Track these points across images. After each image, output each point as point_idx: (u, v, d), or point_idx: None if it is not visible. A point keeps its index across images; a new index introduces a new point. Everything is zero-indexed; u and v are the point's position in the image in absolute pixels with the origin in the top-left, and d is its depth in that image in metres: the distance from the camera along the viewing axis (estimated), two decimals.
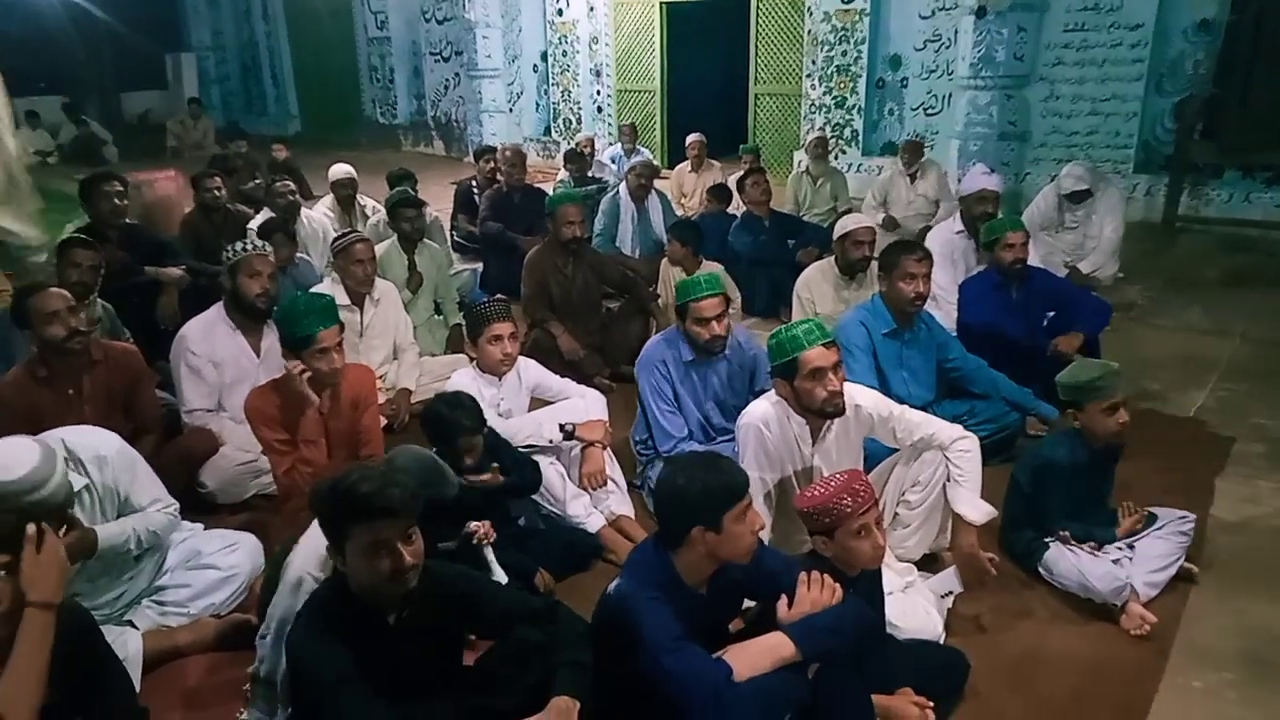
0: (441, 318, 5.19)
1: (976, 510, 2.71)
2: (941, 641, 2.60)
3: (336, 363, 3.00)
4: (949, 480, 2.76)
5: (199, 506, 3.39)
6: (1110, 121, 8.29)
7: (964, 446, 2.76)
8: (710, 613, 2.13)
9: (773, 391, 2.84)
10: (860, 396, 2.83)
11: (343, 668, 1.83)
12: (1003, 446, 3.64)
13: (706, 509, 1.98)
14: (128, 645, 2.47)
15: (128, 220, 4.98)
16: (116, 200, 4.73)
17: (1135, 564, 2.86)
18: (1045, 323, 4.14)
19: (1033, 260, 4.31)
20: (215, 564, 2.82)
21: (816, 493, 2.18)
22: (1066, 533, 2.92)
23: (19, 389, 3.18)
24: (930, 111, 9.48)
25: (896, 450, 2.97)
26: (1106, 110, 8.27)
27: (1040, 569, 2.95)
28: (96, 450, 2.52)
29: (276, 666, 2.17)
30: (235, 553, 2.88)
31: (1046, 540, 2.94)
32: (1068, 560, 2.87)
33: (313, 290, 3.98)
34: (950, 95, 9.05)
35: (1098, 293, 4.86)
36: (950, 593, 2.74)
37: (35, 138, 14.26)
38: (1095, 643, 2.71)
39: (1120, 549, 2.92)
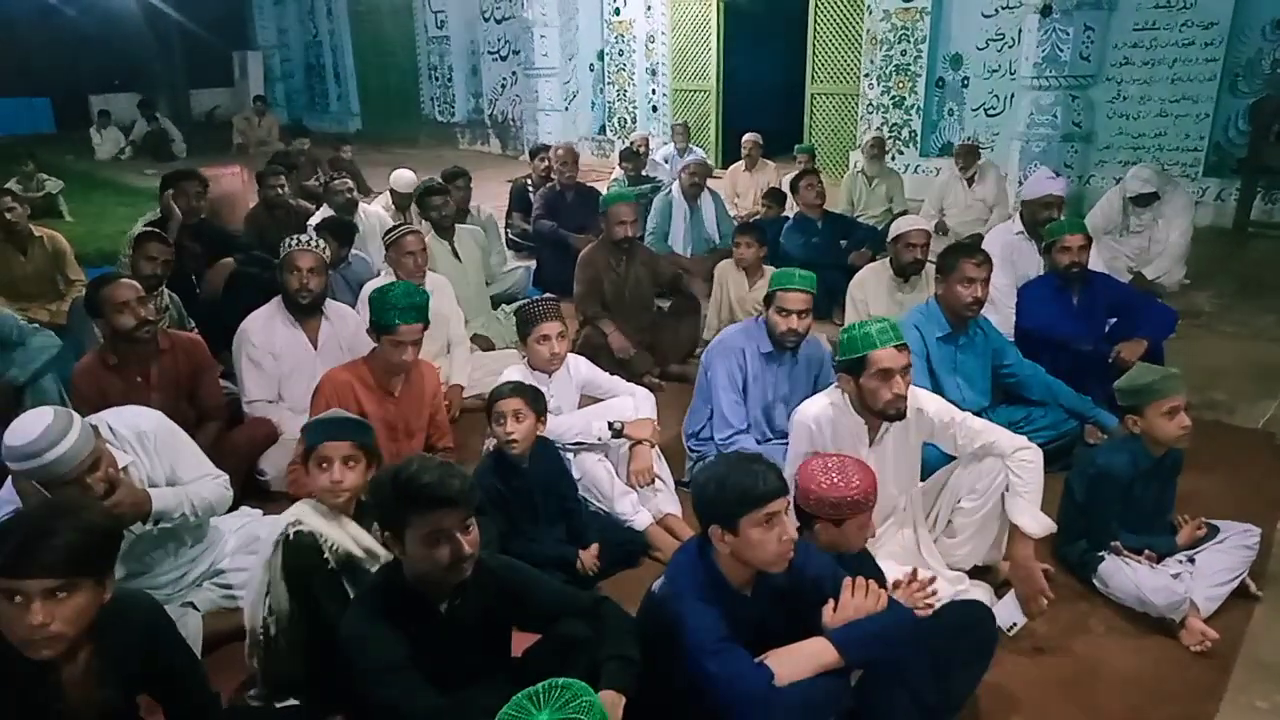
0: (508, 310, 5.26)
1: (1036, 522, 2.63)
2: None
3: (408, 356, 3.21)
4: (1008, 490, 2.69)
5: (258, 494, 3.49)
6: (1180, 123, 8.05)
7: (1026, 456, 2.68)
8: (755, 615, 2.12)
9: (832, 388, 2.82)
10: (923, 400, 2.80)
11: (395, 654, 1.87)
12: (1060, 455, 3.55)
13: (722, 508, 1.96)
14: (187, 625, 2.53)
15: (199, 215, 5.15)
16: (195, 201, 4.92)
17: (1196, 578, 2.77)
18: (1107, 329, 4.05)
19: (1095, 265, 4.21)
20: None
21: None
22: (1118, 543, 2.85)
23: (90, 375, 3.31)
24: (991, 112, 9.31)
25: (954, 460, 2.92)
26: (1176, 111, 8.04)
27: (1095, 581, 2.88)
28: (136, 426, 2.61)
29: (255, 618, 2.31)
30: None
31: (1101, 553, 2.87)
32: (1123, 572, 2.80)
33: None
34: (1013, 95, 8.87)
35: (1163, 299, 4.73)
36: (1014, 625, 2.66)
37: (108, 136, 14.75)
38: (1153, 658, 2.64)
39: (1180, 562, 2.84)
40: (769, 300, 3.45)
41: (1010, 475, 2.69)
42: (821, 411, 2.75)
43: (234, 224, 6.12)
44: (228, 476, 2.82)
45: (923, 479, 2.99)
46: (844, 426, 2.76)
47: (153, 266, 4.04)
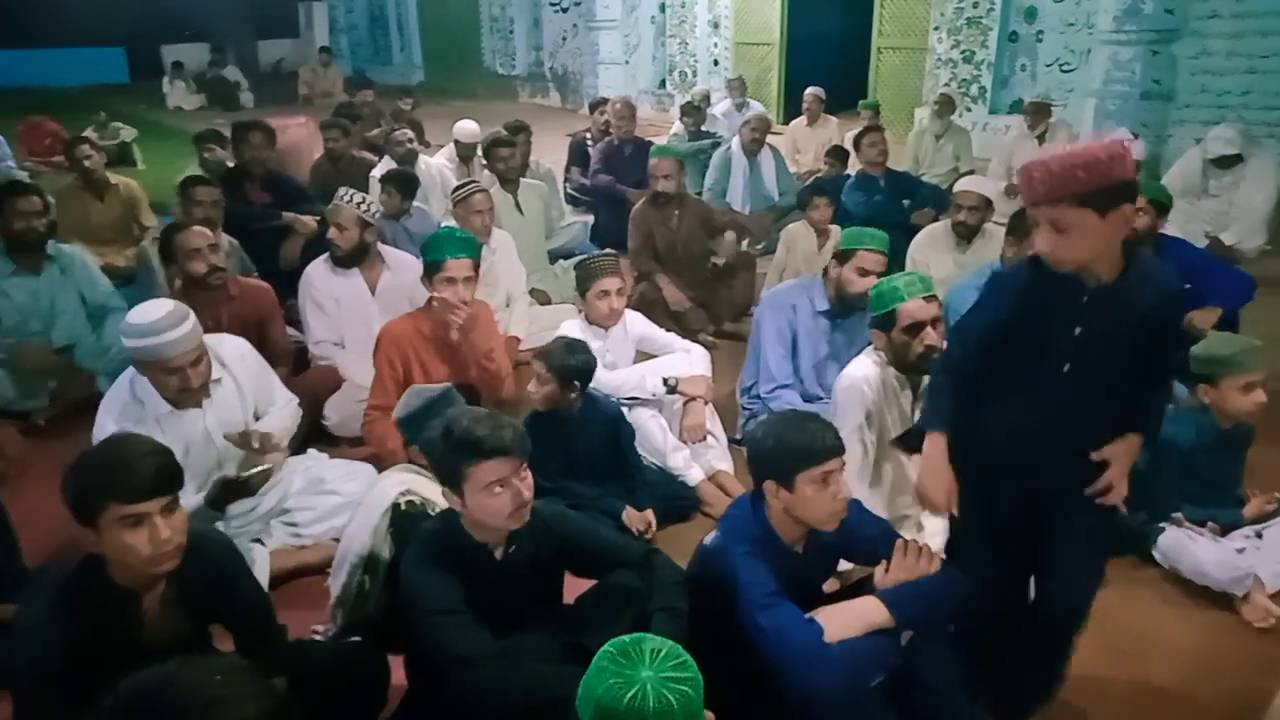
0: (565, 265, 5.30)
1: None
2: None
3: (463, 294, 3.21)
4: None
5: (322, 437, 3.60)
6: (1268, 80, 7.63)
7: None
8: (805, 571, 2.14)
9: (870, 348, 2.81)
10: None
11: (451, 597, 1.92)
12: None
13: (779, 464, 1.96)
14: (256, 561, 2.66)
15: (268, 165, 5.25)
16: (259, 151, 5.05)
17: (1263, 553, 2.71)
18: None
19: (1169, 229, 4.07)
20: (337, 490, 3.01)
21: None
22: (1181, 515, 2.79)
23: None
24: (1066, 68, 8.95)
25: None
26: (1265, 68, 7.62)
27: (1155, 553, 2.83)
28: (237, 349, 2.90)
29: (352, 575, 2.39)
30: (354, 481, 3.05)
31: (1161, 524, 2.82)
32: (1185, 545, 2.74)
33: None
34: (1089, 51, 8.51)
35: (1240, 266, 4.55)
36: None
37: (179, 86, 15.07)
38: (1211, 633, 2.59)
39: (1247, 536, 2.78)
40: (843, 257, 3.40)
41: None
42: (868, 372, 2.75)
43: (301, 175, 6.23)
44: (296, 399, 3.06)
45: None
46: (888, 384, 2.75)
47: (202, 210, 4.12)
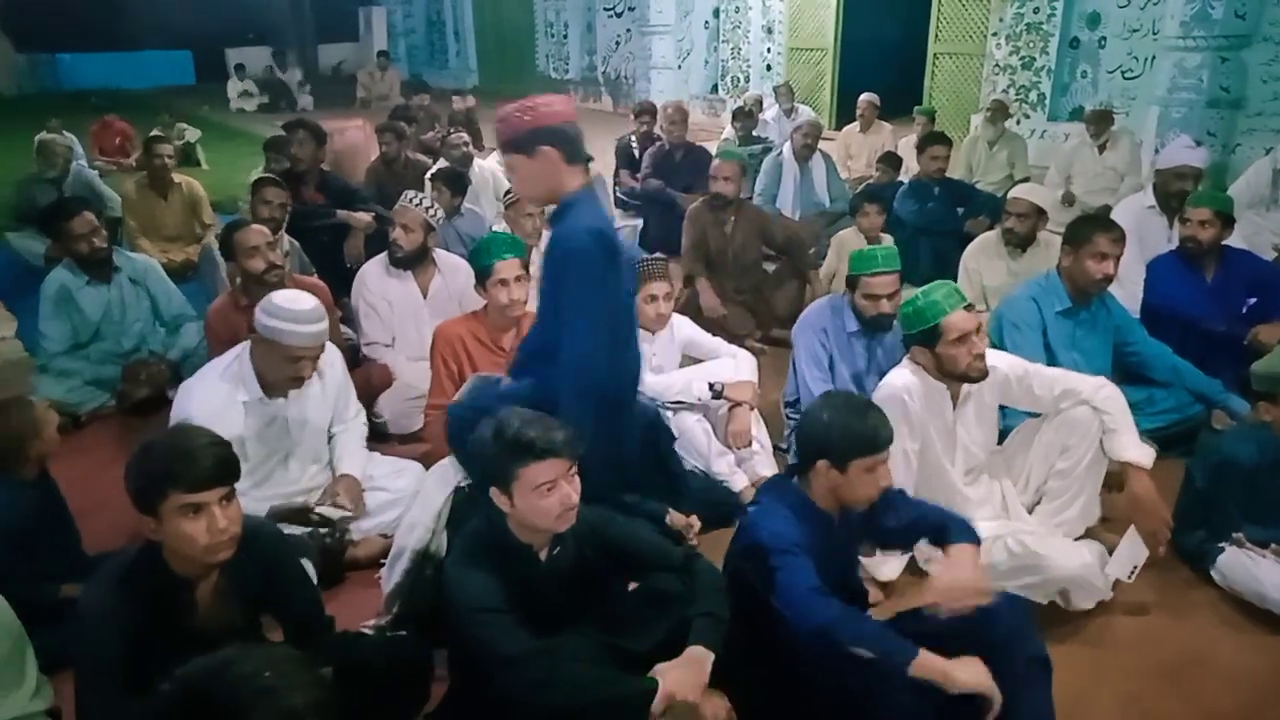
0: None
1: (1144, 453, 2.61)
2: (1109, 593, 2.57)
3: (515, 294, 3.23)
4: (1104, 433, 2.67)
5: (373, 434, 3.64)
6: None
7: (1107, 393, 2.69)
8: (841, 537, 2.19)
9: (906, 360, 2.79)
10: (994, 359, 2.76)
11: (494, 597, 1.94)
12: (1183, 439, 3.38)
13: (839, 448, 2.03)
14: (305, 553, 2.70)
15: (323, 166, 5.35)
16: (298, 147, 5.10)
17: None
18: (1245, 310, 3.80)
19: (1235, 240, 3.95)
20: (386, 486, 3.06)
21: None
22: (1241, 535, 2.71)
23: (222, 316, 3.52)
24: (1129, 75, 8.74)
25: (1031, 417, 2.89)
26: None
27: (1213, 573, 2.75)
28: (332, 358, 3.00)
29: (417, 562, 2.42)
30: (403, 478, 3.10)
31: (1221, 544, 2.74)
32: (1245, 566, 2.66)
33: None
34: (1154, 57, 8.29)
35: None
36: (1134, 569, 2.58)
37: (242, 89, 15.47)
38: (1272, 656, 2.51)
39: None
40: (853, 284, 3.34)
41: (1100, 416, 2.66)
42: (909, 382, 2.73)
43: (357, 177, 6.35)
44: (364, 413, 3.17)
45: (999, 441, 2.98)
46: (929, 395, 2.74)
47: (269, 210, 4.26)
